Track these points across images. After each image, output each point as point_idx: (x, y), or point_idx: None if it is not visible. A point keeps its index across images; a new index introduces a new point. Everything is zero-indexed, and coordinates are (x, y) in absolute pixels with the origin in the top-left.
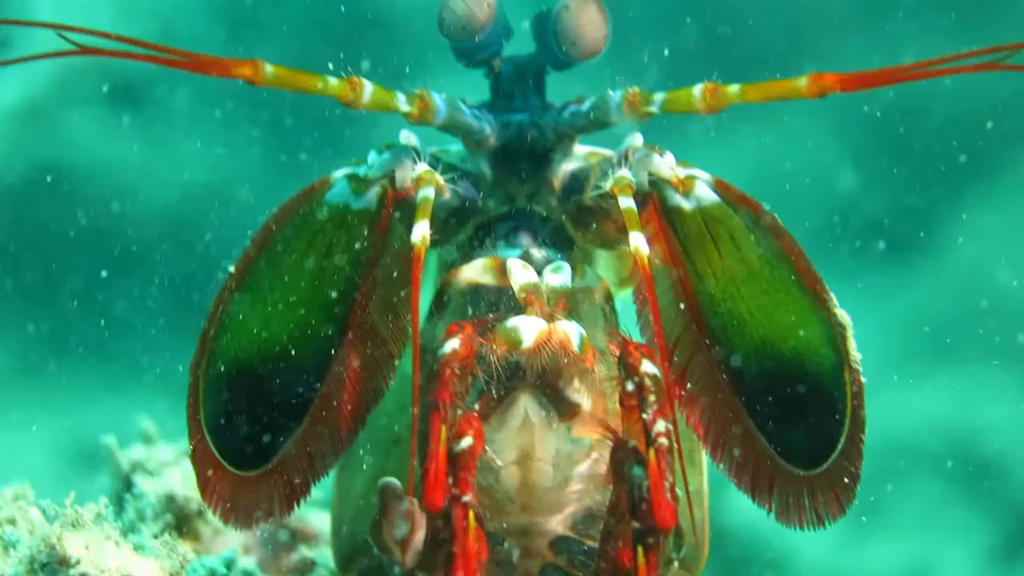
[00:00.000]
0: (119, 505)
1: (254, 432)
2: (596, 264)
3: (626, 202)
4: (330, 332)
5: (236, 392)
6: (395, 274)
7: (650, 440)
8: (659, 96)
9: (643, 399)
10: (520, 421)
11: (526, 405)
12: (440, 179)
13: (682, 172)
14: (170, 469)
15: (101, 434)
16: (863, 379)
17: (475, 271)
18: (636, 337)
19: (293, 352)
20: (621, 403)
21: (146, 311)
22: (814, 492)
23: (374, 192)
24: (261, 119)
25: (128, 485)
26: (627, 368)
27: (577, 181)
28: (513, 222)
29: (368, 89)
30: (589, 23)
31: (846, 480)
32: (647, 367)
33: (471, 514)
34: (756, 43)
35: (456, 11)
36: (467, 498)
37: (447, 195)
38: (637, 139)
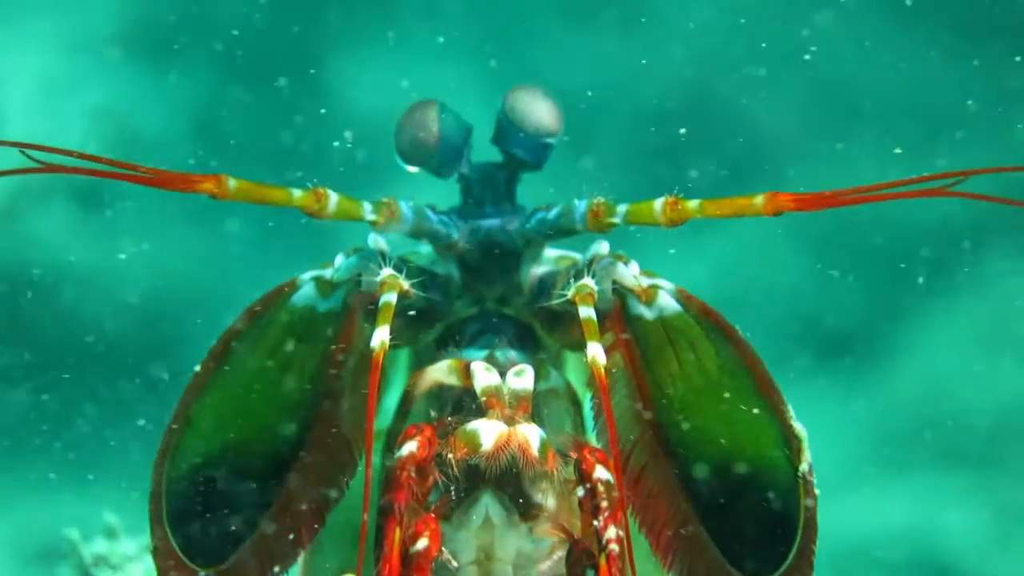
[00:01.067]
0: None
1: (214, 532)
2: (565, 366)
3: (586, 312)
4: (293, 434)
5: (197, 493)
6: (361, 376)
7: (601, 546)
8: (622, 208)
9: (595, 505)
10: (481, 520)
11: (487, 504)
12: (404, 284)
13: (645, 281)
14: (133, 564)
15: (63, 529)
16: (817, 491)
17: (440, 372)
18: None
19: (254, 454)
20: (580, 506)
21: (114, 407)
22: None
23: (339, 295)
24: (238, 209)
25: None
26: (581, 473)
27: (545, 285)
28: (481, 323)
29: (333, 200)
30: (533, 99)
31: None
32: (600, 473)
33: None
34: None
35: (412, 139)
36: None
37: (413, 298)
38: (603, 247)
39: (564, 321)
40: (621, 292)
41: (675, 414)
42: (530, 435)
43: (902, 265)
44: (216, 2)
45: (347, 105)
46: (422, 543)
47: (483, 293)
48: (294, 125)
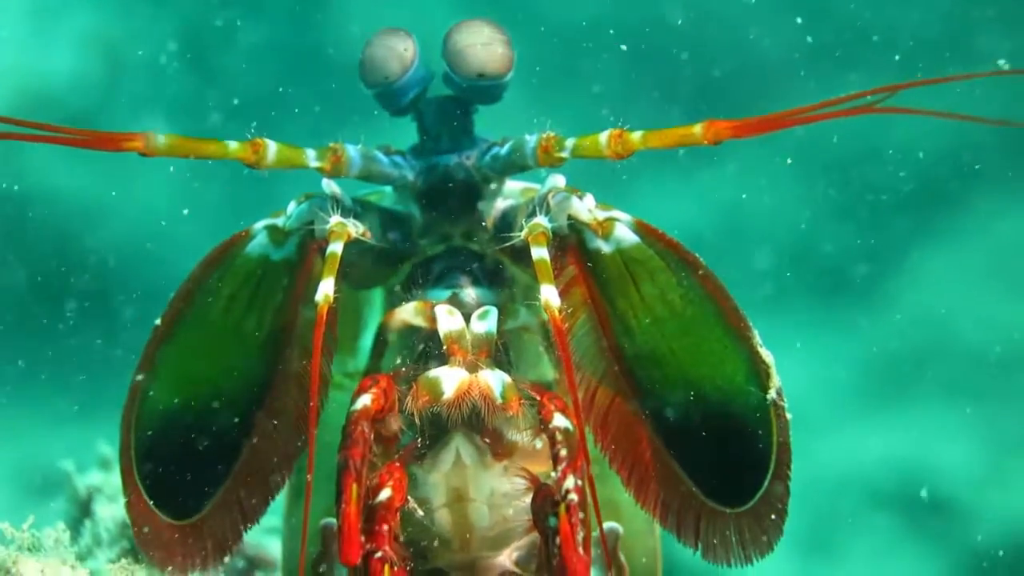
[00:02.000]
0: (76, 530)
1: (185, 482)
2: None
3: (538, 252)
4: (256, 382)
5: (166, 443)
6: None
7: (561, 496)
8: (570, 142)
9: (555, 454)
10: (451, 462)
11: (458, 445)
12: (353, 231)
13: (601, 215)
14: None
15: (58, 460)
16: (788, 415)
17: (408, 313)
18: None
19: (219, 402)
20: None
21: (104, 338)
22: (741, 529)
23: (292, 243)
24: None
25: (85, 510)
26: (541, 421)
27: (508, 219)
28: (447, 262)
29: (272, 149)
30: (474, 41)
31: (773, 516)
32: (559, 421)
33: (386, 568)
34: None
35: (374, 59)
36: (381, 553)
37: (370, 240)
38: (558, 180)
39: (529, 255)
40: (577, 227)
41: (639, 346)
42: (492, 381)
43: (899, 201)
44: None
45: (349, 39)
46: (384, 494)
47: (448, 231)
48: (287, 56)
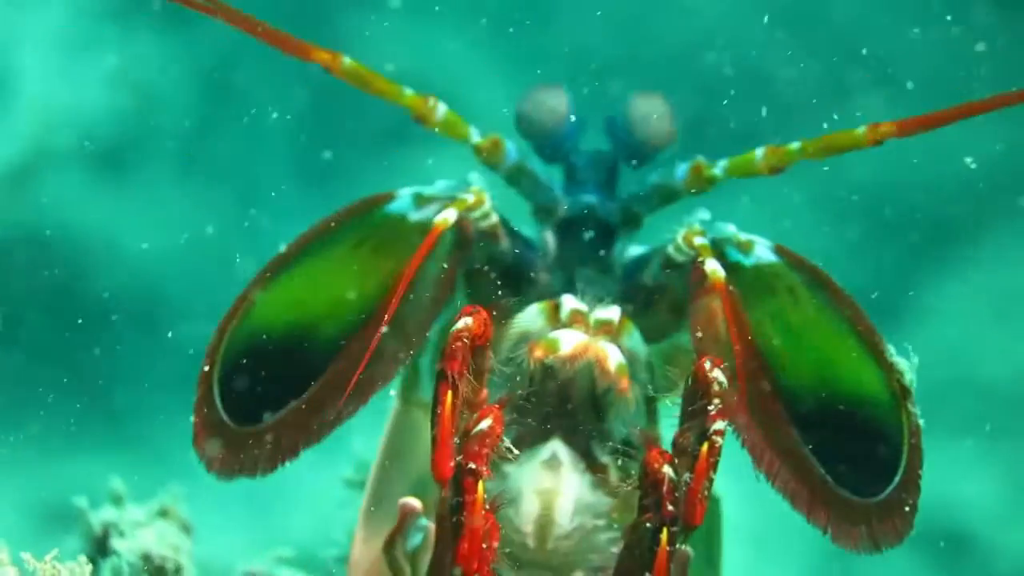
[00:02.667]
0: (94, 564)
1: (263, 391)
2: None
3: (700, 240)
4: (360, 315)
5: (258, 351)
6: (437, 280)
7: (705, 435)
8: (722, 162)
9: (709, 399)
10: (549, 455)
11: (555, 447)
12: (489, 205)
13: (743, 236)
14: (143, 530)
15: (70, 495)
16: (920, 421)
17: (527, 319)
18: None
19: (322, 325)
20: (682, 413)
21: (120, 372)
22: (870, 520)
23: (433, 208)
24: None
25: (101, 546)
26: (696, 377)
27: (637, 264)
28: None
29: (441, 109)
30: (653, 113)
31: (905, 510)
32: (716, 374)
33: (481, 485)
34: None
35: (534, 111)
36: (475, 467)
37: (504, 241)
38: (702, 213)
39: (654, 298)
40: (720, 243)
41: (776, 352)
42: (609, 351)
43: (917, 233)
44: None
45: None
46: (485, 423)
47: (575, 271)
48: (311, 86)
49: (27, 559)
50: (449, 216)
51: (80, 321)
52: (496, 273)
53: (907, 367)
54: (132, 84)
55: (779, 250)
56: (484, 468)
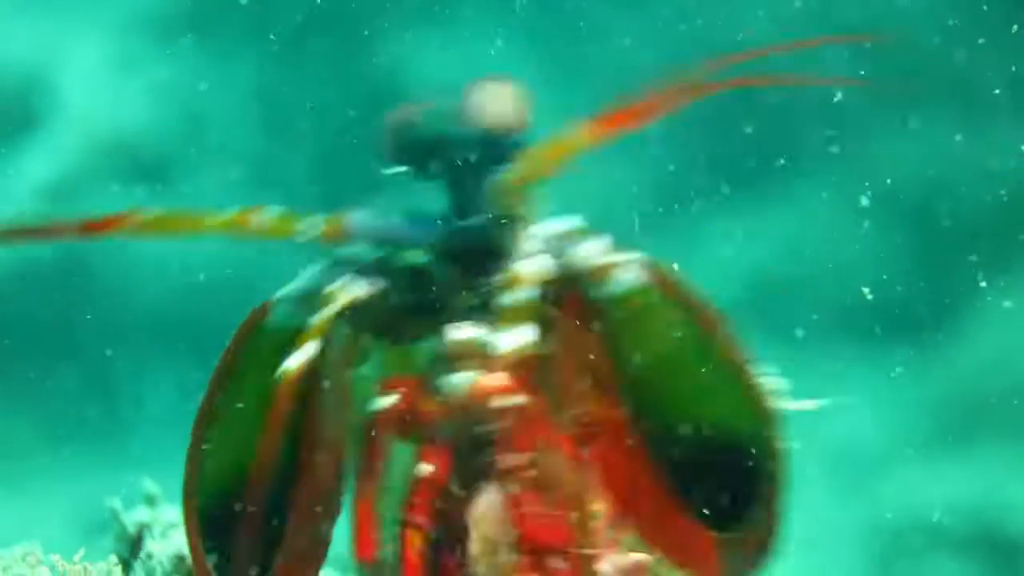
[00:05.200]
0: (127, 565)
1: (248, 555)
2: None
3: (510, 297)
4: (291, 447)
5: (222, 523)
6: (335, 395)
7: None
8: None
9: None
10: None
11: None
12: (359, 292)
13: (610, 256)
14: (177, 531)
15: (104, 497)
16: (781, 446)
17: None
18: None
19: (258, 483)
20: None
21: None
22: (725, 551)
23: (311, 308)
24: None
25: (135, 547)
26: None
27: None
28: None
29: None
30: (486, 101)
31: (762, 542)
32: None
33: (417, 538)
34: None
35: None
36: (413, 522)
37: (389, 297)
38: (573, 222)
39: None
40: (578, 269)
41: (636, 381)
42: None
43: (969, 240)
44: None
45: (408, 86)
46: (425, 469)
47: (467, 294)
48: (356, 106)
49: (56, 561)
50: (300, 360)
51: (119, 337)
52: (386, 317)
53: (774, 389)
54: (177, 102)
55: (646, 267)
56: (423, 521)
